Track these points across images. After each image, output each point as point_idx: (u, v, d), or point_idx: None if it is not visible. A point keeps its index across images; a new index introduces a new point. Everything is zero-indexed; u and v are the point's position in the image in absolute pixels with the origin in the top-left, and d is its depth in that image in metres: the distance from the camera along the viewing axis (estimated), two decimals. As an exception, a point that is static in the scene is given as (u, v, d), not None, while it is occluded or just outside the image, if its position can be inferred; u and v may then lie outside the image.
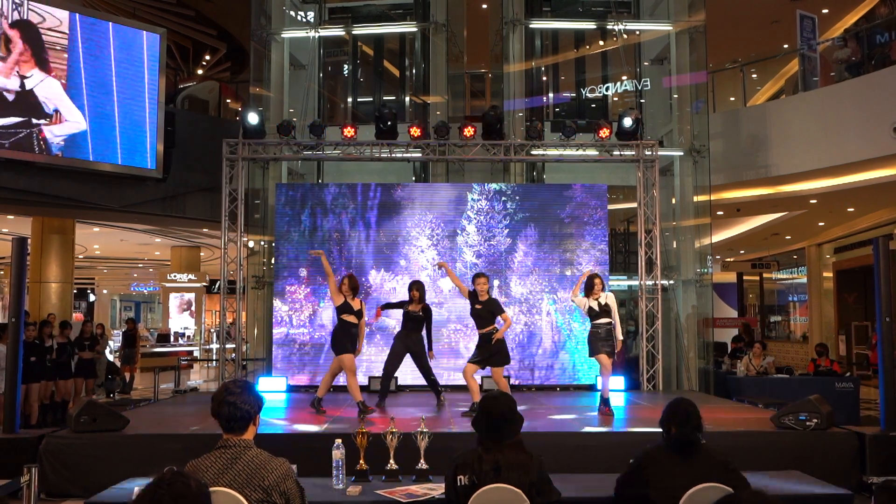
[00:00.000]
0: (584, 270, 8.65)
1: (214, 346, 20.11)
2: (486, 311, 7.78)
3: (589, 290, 7.89)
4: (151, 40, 12.45)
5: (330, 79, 13.76)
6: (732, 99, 14.42)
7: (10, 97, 11.02)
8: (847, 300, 17.57)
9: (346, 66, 13.83)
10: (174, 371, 15.07)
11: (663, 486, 3.43)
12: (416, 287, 8.38)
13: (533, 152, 10.98)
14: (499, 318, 7.80)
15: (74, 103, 11.51)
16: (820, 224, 16.43)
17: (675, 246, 11.95)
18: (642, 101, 12.57)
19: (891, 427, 6.45)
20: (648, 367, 10.42)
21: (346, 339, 7.81)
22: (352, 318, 7.85)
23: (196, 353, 22.72)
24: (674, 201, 12.00)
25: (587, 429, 7.09)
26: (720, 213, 14.04)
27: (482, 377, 8.43)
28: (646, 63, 12.82)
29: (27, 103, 11.10)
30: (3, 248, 19.06)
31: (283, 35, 12.21)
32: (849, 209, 14.45)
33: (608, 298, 7.89)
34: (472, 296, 7.90)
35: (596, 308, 7.84)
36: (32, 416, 10.21)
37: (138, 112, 12.18)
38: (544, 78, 13.13)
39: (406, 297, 8.49)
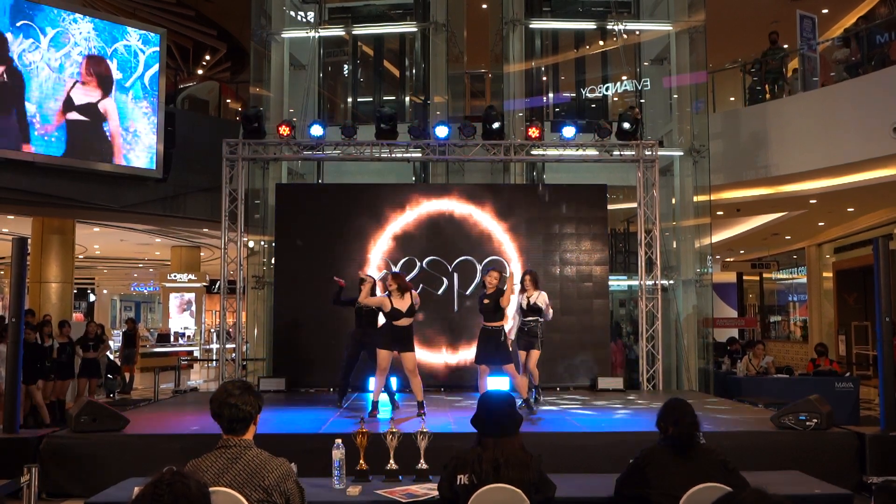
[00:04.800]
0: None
1: (214, 346, 20.11)
2: (493, 304, 7.73)
3: (521, 288, 8.17)
4: (151, 40, 12.47)
5: (330, 79, 13.76)
6: (732, 99, 14.41)
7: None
8: (847, 300, 17.56)
9: (346, 66, 13.83)
10: (174, 371, 15.09)
11: (663, 486, 3.44)
12: (366, 281, 8.04)
13: (533, 152, 10.99)
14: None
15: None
16: (820, 224, 16.43)
17: (675, 246, 11.95)
18: (642, 101, 12.57)
19: (891, 427, 6.45)
20: (648, 367, 10.42)
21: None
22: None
23: (196, 354, 22.71)
24: (674, 201, 12.00)
25: (587, 429, 7.09)
26: (720, 213, 14.04)
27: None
28: (646, 63, 12.82)
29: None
30: (3, 248, 19.05)
31: (283, 35, 12.21)
32: (849, 209, 14.44)
33: (538, 298, 8.08)
34: (480, 297, 7.89)
35: (524, 306, 8.11)
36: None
37: (138, 112, 12.21)
38: (544, 78, 13.13)
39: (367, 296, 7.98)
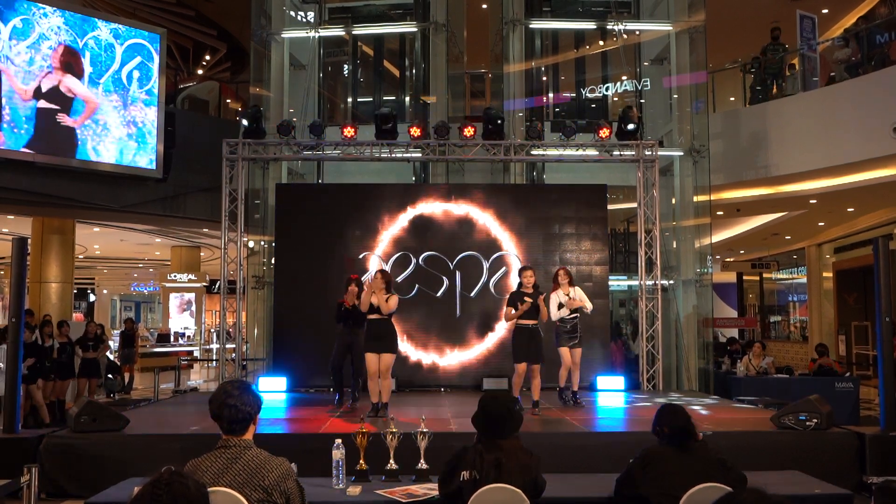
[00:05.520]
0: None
1: (214, 346, 20.10)
2: (534, 305, 7.72)
3: (554, 285, 8.19)
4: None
5: (330, 79, 13.76)
6: (732, 99, 14.41)
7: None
8: (847, 300, 17.55)
9: (346, 66, 13.83)
10: (174, 371, 15.07)
11: (663, 486, 3.44)
12: (354, 282, 8.18)
13: (533, 152, 10.99)
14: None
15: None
16: (820, 224, 16.42)
17: (675, 246, 11.95)
18: (642, 101, 12.57)
19: (891, 427, 6.45)
20: (648, 367, 10.42)
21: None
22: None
23: (196, 353, 22.70)
24: (674, 201, 12.00)
25: (587, 429, 7.09)
26: (720, 213, 14.04)
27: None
28: (646, 63, 12.83)
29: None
30: (3, 248, 19.05)
31: (283, 35, 12.21)
32: (849, 209, 14.44)
33: (574, 292, 8.12)
34: (516, 294, 7.85)
35: (564, 303, 8.12)
36: None
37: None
38: (544, 78, 13.13)
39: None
